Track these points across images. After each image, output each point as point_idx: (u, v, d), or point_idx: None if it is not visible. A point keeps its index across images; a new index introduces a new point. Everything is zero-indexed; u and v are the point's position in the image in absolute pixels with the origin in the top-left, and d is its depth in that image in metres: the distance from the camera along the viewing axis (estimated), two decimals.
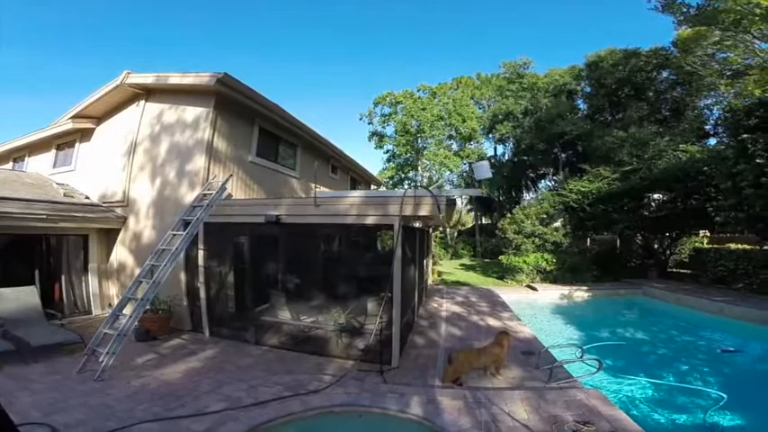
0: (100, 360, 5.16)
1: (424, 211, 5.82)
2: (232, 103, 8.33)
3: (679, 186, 14.27)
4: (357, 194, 6.65)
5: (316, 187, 6.70)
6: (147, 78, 8.55)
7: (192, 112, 8.24)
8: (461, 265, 23.82)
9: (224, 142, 8.35)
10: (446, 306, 10.83)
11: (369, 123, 33.60)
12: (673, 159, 15.30)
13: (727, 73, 17.76)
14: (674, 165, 14.93)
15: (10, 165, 12.95)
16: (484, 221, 38.21)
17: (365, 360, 5.87)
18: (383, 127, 32.91)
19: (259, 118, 9.36)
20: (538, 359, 6.14)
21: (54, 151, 11.32)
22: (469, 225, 40.66)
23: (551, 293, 13.79)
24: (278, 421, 4.18)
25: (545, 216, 17.59)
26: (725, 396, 5.56)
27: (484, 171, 6.63)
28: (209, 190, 7.28)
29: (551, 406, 4.38)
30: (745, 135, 10.65)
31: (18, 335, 5.50)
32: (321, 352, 6.39)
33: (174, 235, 6.58)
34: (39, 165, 11.61)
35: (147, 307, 6.17)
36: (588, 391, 4.89)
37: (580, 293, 13.85)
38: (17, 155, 12.77)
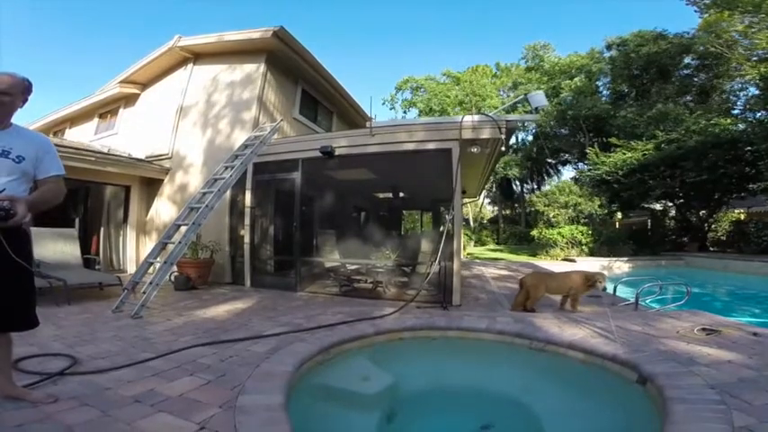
0: (143, 291, 4.73)
1: (485, 134, 5.42)
2: (280, 61, 8.43)
3: (716, 152, 13.49)
4: (414, 122, 6.24)
5: (371, 118, 6.25)
6: (200, 39, 8.44)
7: (243, 69, 8.39)
8: (488, 249, 23.28)
9: (273, 96, 8.45)
10: (489, 271, 10.34)
11: (391, 109, 33.34)
12: (706, 130, 14.52)
13: (754, 58, 16.98)
14: (710, 132, 14.17)
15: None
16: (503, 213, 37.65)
17: (423, 300, 5.39)
18: (405, 112, 32.57)
19: (302, 80, 9.46)
20: (613, 298, 5.63)
21: (96, 120, 11.22)
22: (488, 218, 40.40)
23: (591, 265, 13.08)
24: (349, 344, 3.69)
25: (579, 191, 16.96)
26: None
27: (540, 99, 6.23)
28: (260, 131, 7.02)
29: (659, 322, 3.86)
30: None
31: (54, 275, 5.09)
32: (373, 296, 5.93)
33: (226, 167, 6.27)
34: (79, 134, 11.41)
35: (186, 254, 5.79)
36: (690, 310, 4.35)
37: (620, 264, 13.29)
38: (57, 129, 12.57)
